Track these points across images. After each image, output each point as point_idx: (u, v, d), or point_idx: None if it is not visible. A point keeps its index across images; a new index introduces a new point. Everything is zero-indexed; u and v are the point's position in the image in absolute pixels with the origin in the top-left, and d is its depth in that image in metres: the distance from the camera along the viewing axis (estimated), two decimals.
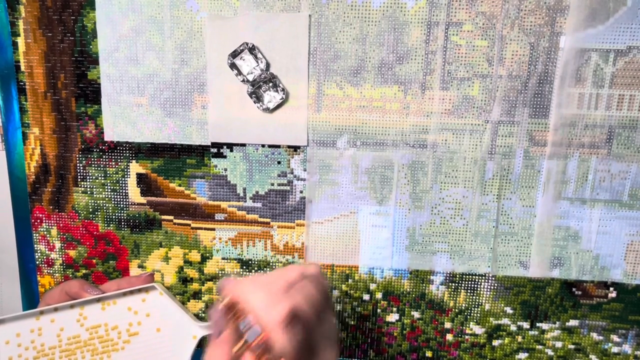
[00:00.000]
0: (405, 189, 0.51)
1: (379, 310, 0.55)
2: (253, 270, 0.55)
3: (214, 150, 0.52)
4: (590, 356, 0.54)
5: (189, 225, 0.54)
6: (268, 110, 0.50)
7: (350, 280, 0.54)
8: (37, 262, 0.57)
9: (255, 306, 0.34)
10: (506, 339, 0.54)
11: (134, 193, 0.54)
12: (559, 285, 0.52)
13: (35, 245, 0.56)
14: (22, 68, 0.52)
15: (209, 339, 0.56)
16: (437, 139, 0.50)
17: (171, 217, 0.54)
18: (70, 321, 0.45)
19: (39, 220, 0.56)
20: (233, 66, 0.49)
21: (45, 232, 0.56)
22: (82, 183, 0.54)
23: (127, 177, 0.54)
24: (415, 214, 0.52)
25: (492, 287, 0.53)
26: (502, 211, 0.51)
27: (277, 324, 0.33)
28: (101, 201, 0.55)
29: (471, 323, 0.54)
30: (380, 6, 0.47)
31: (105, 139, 0.53)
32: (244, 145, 0.52)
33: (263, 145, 0.51)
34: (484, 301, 0.53)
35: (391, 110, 0.49)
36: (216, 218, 0.54)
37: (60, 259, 0.57)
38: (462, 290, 0.53)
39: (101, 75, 0.51)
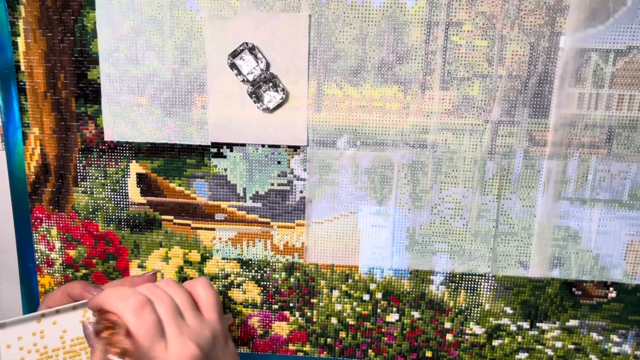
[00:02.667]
0: (405, 189, 0.51)
1: (379, 310, 0.55)
2: (253, 270, 0.55)
3: (214, 150, 0.52)
4: (590, 356, 0.54)
5: (189, 225, 0.54)
6: (268, 110, 0.50)
7: (350, 280, 0.54)
8: (37, 262, 0.57)
9: (112, 302, 0.39)
10: (506, 339, 0.54)
11: (134, 193, 0.54)
12: (559, 285, 0.52)
13: (35, 245, 0.56)
14: (22, 68, 0.52)
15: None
16: (437, 139, 0.50)
17: (171, 217, 0.54)
18: (73, 323, 0.45)
19: (39, 220, 0.56)
20: (233, 66, 0.49)
21: (45, 232, 0.56)
22: (82, 183, 0.54)
23: (127, 177, 0.54)
24: (415, 214, 0.52)
25: (492, 287, 0.53)
26: (502, 211, 0.51)
27: (128, 310, 0.38)
28: (101, 201, 0.55)
29: (471, 323, 0.54)
30: (380, 6, 0.47)
31: (105, 139, 0.53)
32: (244, 145, 0.52)
33: (263, 145, 0.51)
34: (484, 301, 0.53)
35: (391, 110, 0.49)
36: (216, 218, 0.54)
37: (60, 259, 0.57)
38: (462, 290, 0.53)
39: (101, 75, 0.51)
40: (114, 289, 0.41)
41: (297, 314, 0.56)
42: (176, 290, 0.43)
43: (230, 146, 0.52)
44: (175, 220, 0.54)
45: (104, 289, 0.46)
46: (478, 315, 0.54)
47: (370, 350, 0.56)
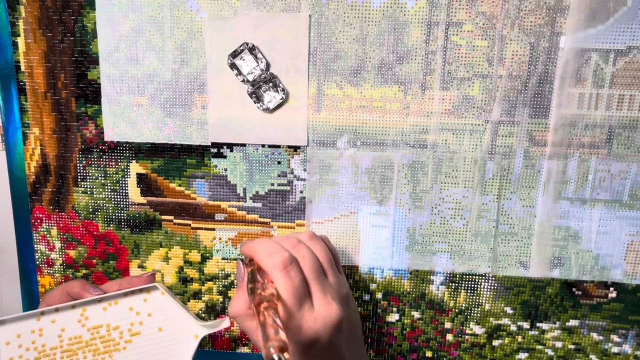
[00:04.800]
0: (405, 189, 0.51)
1: (379, 310, 0.55)
2: None
3: (214, 150, 0.52)
4: (590, 356, 0.54)
5: (189, 225, 0.54)
6: (268, 110, 0.50)
7: (350, 280, 0.54)
8: (37, 262, 0.57)
9: (260, 256, 0.40)
10: (506, 339, 0.54)
11: (134, 193, 0.54)
12: (559, 285, 0.52)
13: (36, 245, 0.56)
14: (22, 68, 0.52)
15: (209, 336, 0.56)
16: (437, 139, 0.50)
17: (171, 217, 0.54)
18: (71, 321, 0.45)
19: (39, 220, 0.56)
20: (233, 66, 0.49)
21: (45, 232, 0.56)
22: (82, 183, 0.54)
23: (127, 177, 0.54)
24: (416, 214, 0.52)
25: (492, 287, 0.53)
26: (502, 211, 0.51)
27: (275, 268, 0.38)
28: (101, 201, 0.55)
29: (471, 323, 0.54)
30: (380, 6, 0.47)
31: (105, 139, 0.53)
32: (244, 145, 0.52)
33: (263, 145, 0.51)
34: (484, 301, 0.53)
35: (391, 110, 0.49)
36: (216, 218, 0.54)
37: (61, 259, 0.57)
38: (462, 290, 0.53)
39: (101, 76, 0.51)
40: (264, 241, 0.41)
41: None
42: (319, 246, 0.43)
43: (230, 146, 0.52)
44: (176, 221, 0.54)
45: (105, 288, 0.46)
46: (478, 315, 0.54)
47: (370, 350, 0.56)
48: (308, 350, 0.39)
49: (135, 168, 0.54)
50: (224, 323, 0.45)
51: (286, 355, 0.33)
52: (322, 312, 0.38)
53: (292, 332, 0.38)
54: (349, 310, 0.42)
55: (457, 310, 0.54)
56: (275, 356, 0.33)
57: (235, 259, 0.55)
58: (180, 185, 0.53)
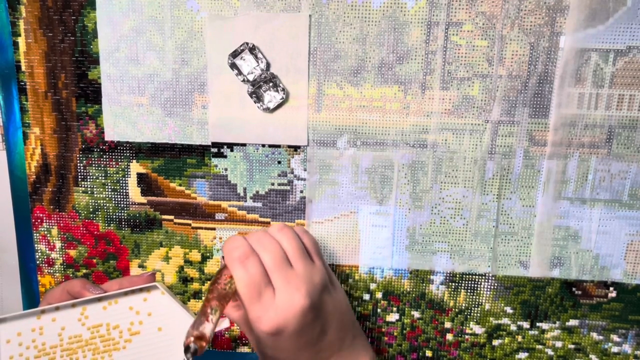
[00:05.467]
0: (405, 188, 0.51)
1: (379, 310, 0.55)
2: None
3: (214, 150, 0.52)
4: (590, 356, 0.54)
5: (190, 225, 0.54)
6: (268, 110, 0.50)
7: (350, 280, 0.54)
8: (38, 262, 0.57)
9: (224, 252, 0.41)
10: (506, 338, 0.54)
11: (135, 193, 0.54)
12: (559, 285, 0.52)
13: (36, 245, 0.57)
14: (23, 68, 0.52)
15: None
16: (437, 138, 0.50)
17: (172, 217, 0.54)
18: (71, 320, 0.45)
19: (39, 220, 0.56)
20: (233, 66, 0.49)
21: (45, 232, 0.56)
22: (83, 183, 0.54)
23: (127, 177, 0.54)
24: (415, 213, 0.52)
25: (492, 287, 0.53)
26: (502, 211, 0.51)
27: (233, 261, 0.39)
28: (102, 201, 0.55)
29: (471, 323, 0.54)
30: (380, 6, 0.47)
31: (106, 138, 0.53)
32: (244, 145, 0.52)
33: (263, 145, 0.52)
34: (484, 301, 0.53)
35: (391, 110, 0.49)
36: (216, 218, 0.54)
37: (61, 258, 0.57)
38: (462, 290, 0.53)
39: (102, 75, 0.51)
40: (234, 237, 0.41)
41: None
42: (287, 236, 0.42)
43: (230, 146, 0.52)
44: (176, 220, 0.55)
45: (105, 287, 0.46)
46: (478, 315, 0.54)
47: None
48: (274, 339, 0.39)
49: (135, 168, 0.54)
50: (223, 323, 0.45)
51: (202, 344, 0.35)
52: (283, 301, 0.39)
53: (253, 323, 0.39)
54: (325, 297, 0.42)
55: (457, 310, 0.54)
56: (191, 345, 0.35)
57: None
58: (180, 185, 0.53)
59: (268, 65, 0.49)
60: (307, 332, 0.40)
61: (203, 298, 0.39)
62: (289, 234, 0.43)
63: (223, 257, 0.44)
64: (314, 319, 0.40)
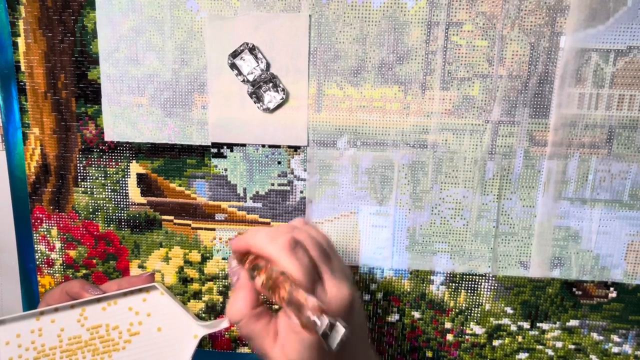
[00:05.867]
0: (405, 189, 0.51)
1: (379, 311, 0.55)
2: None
3: (214, 150, 0.52)
4: (591, 356, 0.54)
5: (189, 225, 0.54)
6: (268, 110, 0.50)
7: None
8: (37, 262, 0.57)
9: (259, 245, 0.36)
10: (506, 339, 0.54)
11: (134, 193, 0.54)
12: (559, 285, 0.52)
13: (36, 246, 0.56)
14: (23, 68, 0.52)
15: (208, 335, 0.56)
16: (437, 139, 0.50)
17: (171, 217, 0.54)
18: (70, 321, 0.45)
19: (39, 221, 0.56)
20: (233, 66, 0.49)
21: (45, 232, 0.56)
22: (82, 183, 0.54)
23: (127, 177, 0.54)
24: (416, 214, 0.52)
25: (492, 287, 0.53)
26: (502, 211, 0.51)
27: (281, 251, 0.35)
28: (101, 201, 0.55)
29: (471, 323, 0.54)
30: (380, 6, 0.47)
31: (106, 139, 0.53)
32: (244, 145, 0.52)
33: (263, 146, 0.51)
34: (484, 301, 0.53)
35: (391, 110, 0.49)
36: (216, 218, 0.54)
37: (61, 259, 0.57)
38: (463, 291, 0.53)
39: (101, 76, 0.51)
40: (259, 230, 0.37)
41: None
42: (314, 229, 0.40)
43: (230, 146, 0.52)
44: (176, 221, 0.54)
45: (104, 288, 0.46)
46: (478, 315, 0.54)
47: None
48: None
49: (135, 168, 0.54)
50: (223, 323, 0.45)
51: (325, 317, 0.31)
52: (334, 294, 0.36)
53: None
54: (355, 290, 0.40)
55: (457, 310, 0.54)
56: (317, 320, 0.31)
57: None
58: (180, 185, 0.53)
59: (268, 65, 0.49)
60: (353, 326, 0.37)
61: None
62: (315, 227, 0.41)
63: (234, 257, 0.39)
64: (355, 311, 0.38)
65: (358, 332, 0.39)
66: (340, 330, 0.33)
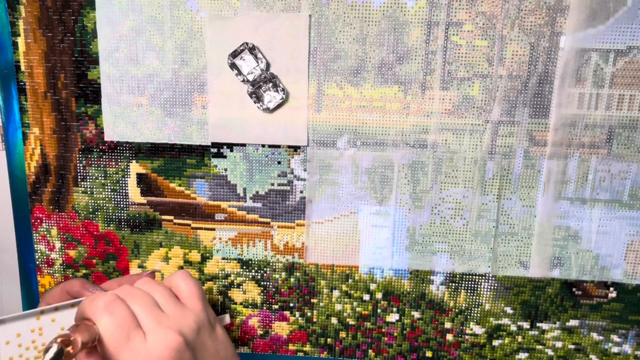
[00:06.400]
0: (405, 189, 0.51)
1: (379, 310, 0.55)
2: (253, 270, 0.55)
3: (214, 150, 0.52)
4: (591, 356, 0.54)
5: (189, 225, 0.54)
6: (268, 110, 0.50)
7: (350, 280, 0.54)
8: (37, 262, 0.57)
9: (81, 308, 0.38)
10: (506, 339, 0.54)
11: (134, 193, 0.54)
12: (559, 285, 0.52)
13: (35, 245, 0.56)
14: (22, 68, 0.52)
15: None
16: (437, 139, 0.50)
17: (171, 217, 0.54)
18: (71, 320, 0.45)
19: (39, 220, 0.56)
20: (233, 66, 0.49)
21: (45, 232, 0.56)
22: (82, 183, 0.54)
23: (127, 177, 0.54)
24: (416, 214, 0.52)
25: (492, 287, 0.53)
26: (502, 211, 0.51)
27: (96, 310, 0.37)
28: (101, 201, 0.55)
29: (471, 323, 0.54)
30: (380, 6, 0.47)
31: (106, 139, 0.53)
32: (244, 145, 0.52)
33: (263, 145, 0.51)
34: (484, 301, 0.53)
35: (391, 110, 0.49)
36: (216, 218, 0.54)
37: (61, 259, 0.57)
38: (462, 290, 0.53)
39: (101, 75, 0.51)
40: (88, 297, 0.39)
41: (297, 314, 0.56)
42: (153, 286, 0.41)
43: (230, 146, 0.52)
44: (176, 220, 0.54)
45: (104, 287, 0.46)
46: (478, 315, 0.54)
47: (370, 351, 0.56)
48: None
49: (135, 168, 0.54)
50: (223, 320, 0.45)
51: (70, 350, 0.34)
52: (156, 341, 0.37)
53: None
54: (204, 338, 0.40)
55: (457, 310, 0.54)
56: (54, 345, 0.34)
57: (235, 259, 0.55)
58: (180, 185, 0.53)
59: (268, 65, 0.49)
60: None
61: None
62: (155, 285, 0.42)
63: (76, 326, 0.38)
64: (195, 357, 0.39)
65: None
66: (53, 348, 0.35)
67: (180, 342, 0.38)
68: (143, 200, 0.54)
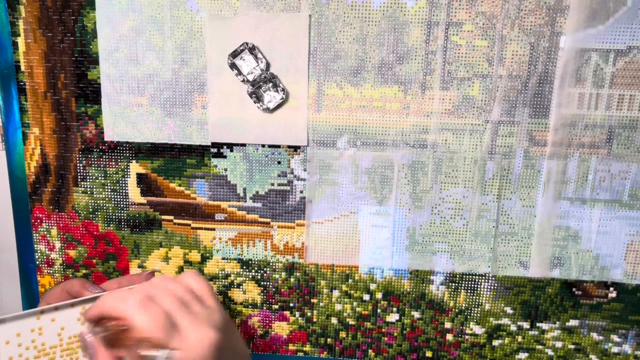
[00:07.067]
0: (405, 189, 0.51)
1: (379, 310, 0.55)
2: (253, 270, 0.55)
3: (214, 150, 0.52)
4: (590, 356, 0.54)
5: (189, 225, 0.54)
6: (268, 110, 0.50)
7: (350, 280, 0.54)
8: (37, 262, 0.57)
9: (112, 307, 0.38)
10: (506, 339, 0.54)
11: (134, 193, 0.54)
12: (559, 285, 0.52)
13: (35, 245, 0.56)
14: (22, 68, 0.52)
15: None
16: (437, 139, 0.50)
17: (171, 217, 0.54)
18: (71, 320, 0.45)
19: (39, 220, 0.56)
20: (233, 66, 0.49)
21: (45, 232, 0.56)
22: (82, 183, 0.54)
23: (127, 177, 0.54)
24: (416, 214, 0.52)
25: (492, 287, 0.53)
26: (502, 211, 0.51)
27: (133, 308, 0.36)
28: (101, 201, 0.55)
29: (471, 323, 0.54)
30: (380, 6, 0.47)
31: (105, 139, 0.53)
32: (244, 145, 0.52)
33: (263, 145, 0.51)
34: (484, 301, 0.53)
35: (391, 110, 0.49)
36: (216, 218, 0.54)
37: (60, 259, 0.57)
38: (462, 290, 0.53)
39: (101, 75, 0.51)
40: (110, 294, 0.39)
41: (297, 314, 0.56)
42: (173, 283, 0.42)
43: (230, 146, 0.52)
44: (176, 220, 0.54)
45: (104, 287, 0.46)
46: (478, 315, 0.53)
47: (370, 350, 0.56)
48: None
49: (135, 168, 0.54)
50: None
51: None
52: (193, 339, 0.37)
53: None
54: (229, 336, 0.41)
55: (457, 310, 0.54)
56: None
57: (235, 259, 0.55)
58: (180, 185, 0.53)
59: (268, 65, 0.49)
60: None
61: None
62: (173, 282, 0.42)
63: (89, 330, 0.39)
64: (220, 356, 0.39)
65: None
66: None
67: (216, 338, 0.38)
68: (143, 200, 0.54)
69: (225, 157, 0.52)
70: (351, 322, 0.55)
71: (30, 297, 0.58)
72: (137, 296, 0.38)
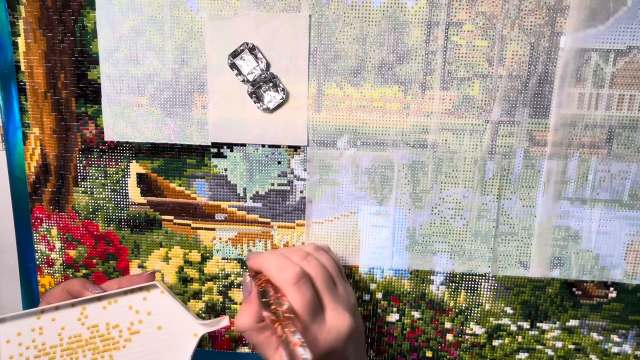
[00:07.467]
0: (405, 189, 0.51)
1: (379, 310, 0.55)
2: None
3: (214, 150, 0.52)
4: (591, 356, 0.54)
5: (189, 225, 0.54)
6: (268, 110, 0.50)
7: (350, 280, 0.54)
8: (37, 262, 0.57)
9: (270, 272, 0.40)
10: (506, 339, 0.54)
11: (134, 193, 0.54)
12: (559, 285, 0.52)
13: (36, 245, 0.56)
14: (22, 68, 0.52)
15: (208, 334, 0.56)
16: (437, 139, 0.50)
17: (171, 217, 0.54)
18: (71, 320, 0.45)
19: (39, 220, 0.56)
20: (233, 66, 0.49)
21: (45, 232, 0.56)
22: (82, 183, 0.54)
23: (127, 177, 0.54)
24: (416, 214, 0.52)
25: (492, 287, 0.53)
26: (502, 211, 0.51)
27: (287, 284, 0.38)
28: (101, 201, 0.55)
29: (471, 323, 0.54)
30: (380, 6, 0.47)
31: (106, 139, 0.53)
32: (244, 145, 0.52)
33: (263, 145, 0.51)
34: (484, 301, 0.53)
35: (391, 110, 0.49)
36: (216, 218, 0.54)
37: (61, 259, 0.57)
38: (462, 290, 0.53)
39: (101, 75, 0.51)
40: (273, 255, 0.41)
41: None
42: (325, 257, 0.43)
43: (230, 146, 0.52)
44: (176, 220, 0.54)
45: (104, 287, 0.46)
46: (478, 315, 0.54)
47: (370, 350, 0.56)
48: None
49: (135, 168, 0.54)
50: (223, 322, 0.45)
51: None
52: (334, 324, 0.39)
53: (308, 346, 0.38)
54: (357, 319, 0.42)
55: (457, 310, 0.54)
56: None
57: (235, 259, 0.55)
58: (180, 185, 0.53)
59: (268, 65, 0.49)
60: (347, 352, 0.40)
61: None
62: (326, 255, 0.44)
63: (247, 270, 0.42)
64: (353, 339, 0.40)
65: (354, 353, 0.41)
66: None
67: (352, 326, 0.40)
68: (143, 200, 0.54)
69: (225, 157, 0.52)
70: None
71: (31, 297, 0.58)
72: (294, 271, 0.39)
